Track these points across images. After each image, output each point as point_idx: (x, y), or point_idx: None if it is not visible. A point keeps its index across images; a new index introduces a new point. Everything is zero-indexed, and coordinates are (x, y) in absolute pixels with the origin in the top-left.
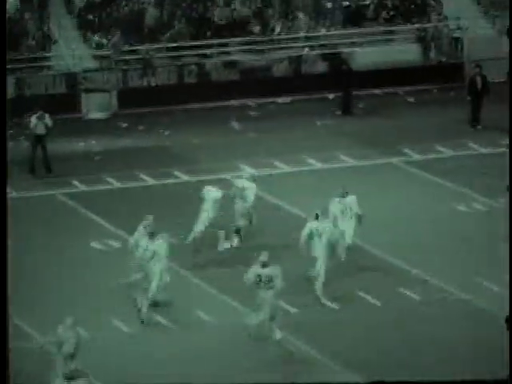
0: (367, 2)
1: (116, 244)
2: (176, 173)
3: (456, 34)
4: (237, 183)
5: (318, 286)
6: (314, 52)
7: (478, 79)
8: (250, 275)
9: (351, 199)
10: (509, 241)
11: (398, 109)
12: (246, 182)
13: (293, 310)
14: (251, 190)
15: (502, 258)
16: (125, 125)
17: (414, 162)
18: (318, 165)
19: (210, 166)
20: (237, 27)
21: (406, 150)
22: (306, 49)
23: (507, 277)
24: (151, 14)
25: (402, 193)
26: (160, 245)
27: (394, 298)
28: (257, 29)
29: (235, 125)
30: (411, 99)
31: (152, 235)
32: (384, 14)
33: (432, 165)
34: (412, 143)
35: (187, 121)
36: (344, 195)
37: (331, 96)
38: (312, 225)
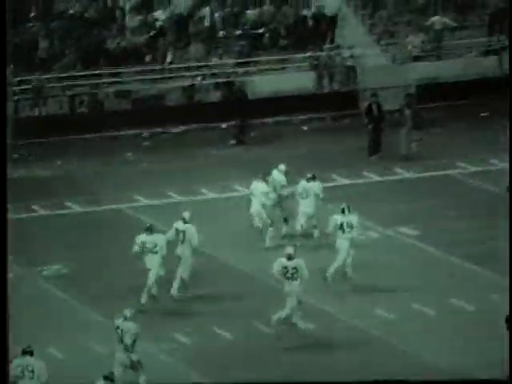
0: (262, 31)
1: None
2: (69, 204)
3: (349, 63)
4: (275, 176)
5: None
6: (208, 81)
7: (375, 107)
8: (276, 266)
9: (316, 184)
10: (509, 242)
11: (293, 137)
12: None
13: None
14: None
15: (397, 286)
16: (17, 155)
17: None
18: (212, 195)
19: (103, 197)
20: (129, 56)
21: (300, 180)
22: (199, 77)
23: (403, 305)
24: (42, 43)
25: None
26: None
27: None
28: (149, 57)
29: (128, 155)
30: (305, 127)
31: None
32: (279, 42)
33: (327, 193)
34: (306, 172)
35: (80, 151)
36: (309, 180)
37: (224, 125)
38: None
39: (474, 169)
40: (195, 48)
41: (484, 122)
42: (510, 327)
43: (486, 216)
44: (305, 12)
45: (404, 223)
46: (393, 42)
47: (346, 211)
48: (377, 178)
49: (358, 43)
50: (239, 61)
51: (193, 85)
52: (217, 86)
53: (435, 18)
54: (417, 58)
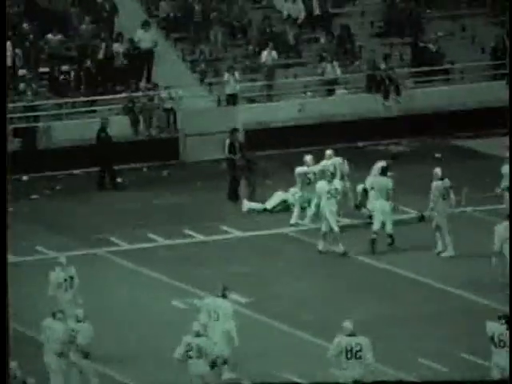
0: (66, 69)
1: None
2: None
3: (168, 105)
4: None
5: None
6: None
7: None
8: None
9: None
10: (509, 243)
11: (99, 192)
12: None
13: None
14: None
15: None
16: None
17: (122, 252)
18: None
19: None
20: None
21: (113, 239)
22: None
23: None
24: None
25: (112, 288)
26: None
27: None
28: None
29: None
30: (119, 180)
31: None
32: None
33: (143, 255)
34: (118, 230)
35: None
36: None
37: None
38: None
39: None
40: None
41: None
42: (510, 327)
43: None
44: (116, 46)
45: None
46: (218, 81)
47: None
48: (200, 237)
49: (178, 82)
50: (41, 102)
51: None
52: (14, 132)
53: (264, 53)
54: (246, 100)
